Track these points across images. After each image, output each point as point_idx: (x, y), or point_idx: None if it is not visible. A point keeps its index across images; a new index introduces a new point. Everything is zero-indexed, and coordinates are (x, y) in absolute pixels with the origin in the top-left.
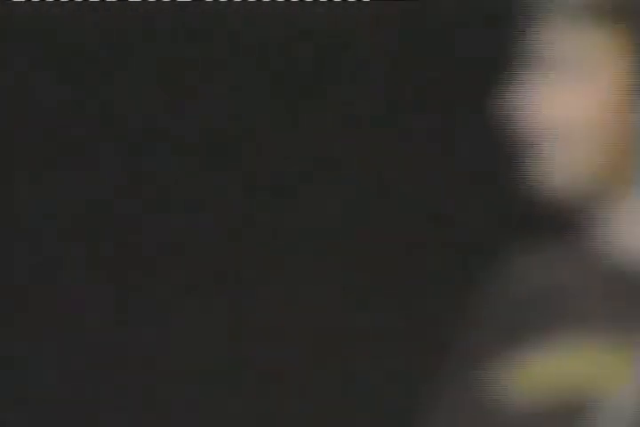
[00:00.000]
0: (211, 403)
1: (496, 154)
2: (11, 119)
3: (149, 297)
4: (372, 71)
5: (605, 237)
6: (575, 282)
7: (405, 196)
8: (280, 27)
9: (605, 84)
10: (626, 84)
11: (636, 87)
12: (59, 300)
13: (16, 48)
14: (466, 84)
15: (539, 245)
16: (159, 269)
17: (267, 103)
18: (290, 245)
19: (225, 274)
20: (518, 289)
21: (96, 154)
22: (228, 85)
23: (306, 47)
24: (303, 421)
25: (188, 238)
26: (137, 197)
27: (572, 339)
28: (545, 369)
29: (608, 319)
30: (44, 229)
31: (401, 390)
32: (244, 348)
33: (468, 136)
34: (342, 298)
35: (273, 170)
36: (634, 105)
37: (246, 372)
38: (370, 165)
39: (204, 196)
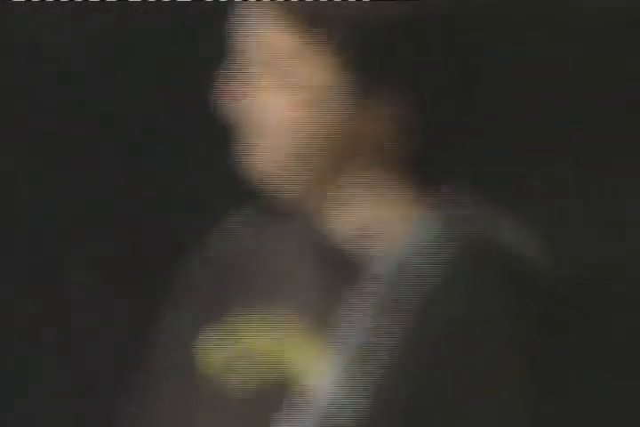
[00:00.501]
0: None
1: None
2: (11, 119)
3: (149, 297)
4: None
5: (310, 221)
6: (276, 262)
7: None
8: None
9: (298, 84)
10: (318, 85)
11: (328, 87)
12: (59, 300)
13: (16, 48)
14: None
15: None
16: (159, 269)
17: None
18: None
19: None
20: (220, 265)
21: (96, 154)
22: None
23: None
24: None
25: (188, 239)
26: (137, 197)
27: (265, 317)
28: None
29: (306, 300)
30: (44, 229)
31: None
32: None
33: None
34: None
35: None
36: (325, 104)
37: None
38: None
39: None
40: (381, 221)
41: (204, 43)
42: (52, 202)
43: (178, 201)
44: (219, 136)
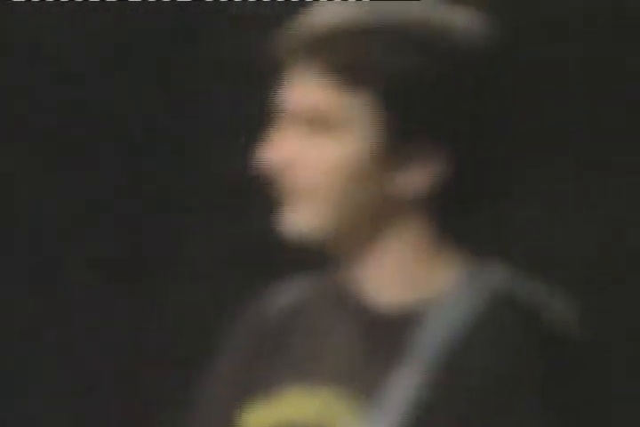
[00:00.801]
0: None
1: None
2: (11, 119)
3: (149, 297)
4: None
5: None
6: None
7: None
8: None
9: (342, 143)
10: (361, 143)
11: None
12: (59, 300)
13: (16, 48)
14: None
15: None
16: (159, 269)
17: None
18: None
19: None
20: (262, 331)
21: (96, 154)
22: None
23: None
24: None
25: (189, 238)
26: (137, 197)
27: (309, 387)
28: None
29: (344, 365)
30: (44, 229)
31: None
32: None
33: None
34: None
35: None
36: (367, 164)
37: None
38: None
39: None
40: (419, 281)
41: (203, 43)
42: (52, 202)
43: (178, 201)
44: (218, 136)
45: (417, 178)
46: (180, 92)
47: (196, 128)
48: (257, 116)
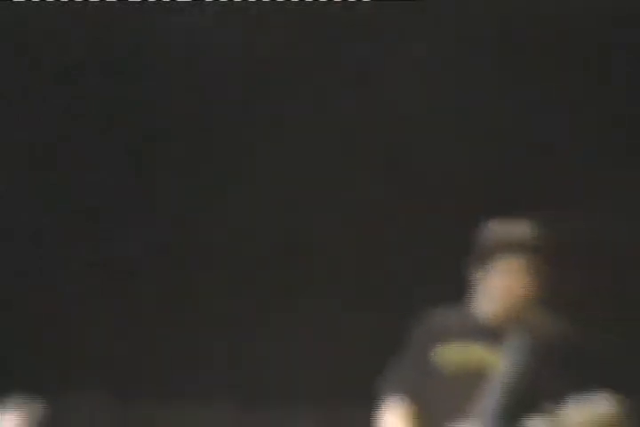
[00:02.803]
0: None
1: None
2: (11, 119)
3: (149, 297)
4: None
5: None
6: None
7: None
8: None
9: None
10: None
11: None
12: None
13: (16, 48)
14: None
15: None
16: (159, 268)
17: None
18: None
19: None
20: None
21: (96, 154)
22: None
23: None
24: None
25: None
26: (137, 197)
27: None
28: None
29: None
30: (44, 228)
31: None
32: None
33: None
34: None
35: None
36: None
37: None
38: None
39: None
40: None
41: (203, 43)
42: (53, 202)
43: (178, 201)
44: (218, 136)
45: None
46: (180, 93)
47: (196, 128)
48: None
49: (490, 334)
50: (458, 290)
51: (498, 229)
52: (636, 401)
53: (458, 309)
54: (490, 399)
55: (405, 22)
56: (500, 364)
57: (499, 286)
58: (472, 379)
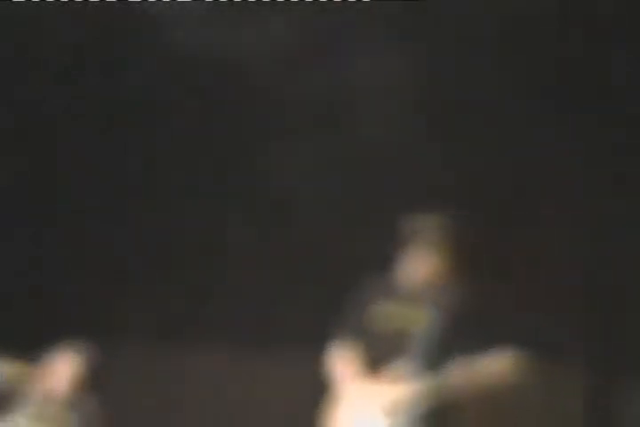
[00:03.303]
0: None
1: None
2: (11, 119)
3: (149, 297)
4: None
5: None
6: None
7: None
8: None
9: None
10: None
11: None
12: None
13: (16, 48)
14: None
15: None
16: (159, 268)
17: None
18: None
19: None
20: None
21: (96, 153)
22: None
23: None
24: None
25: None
26: (137, 197)
27: None
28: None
29: None
30: (44, 228)
31: None
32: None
33: None
34: None
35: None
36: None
37: None
38: None
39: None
40: None
41: (203, 43)
42: (53, 202)
43: (179, 201)
44: (218, 136)
45: None
46: (180, 93)
47: (197, 129)
48: None
49: (413, 297)
50: (389, 263)
51: (418, 220)
52: (533, 356)
53: (388, 277)
54: (415, 349)
55: (405, 22)
56: (422, 321)
57: (419, 262)
58: (400, 332)
